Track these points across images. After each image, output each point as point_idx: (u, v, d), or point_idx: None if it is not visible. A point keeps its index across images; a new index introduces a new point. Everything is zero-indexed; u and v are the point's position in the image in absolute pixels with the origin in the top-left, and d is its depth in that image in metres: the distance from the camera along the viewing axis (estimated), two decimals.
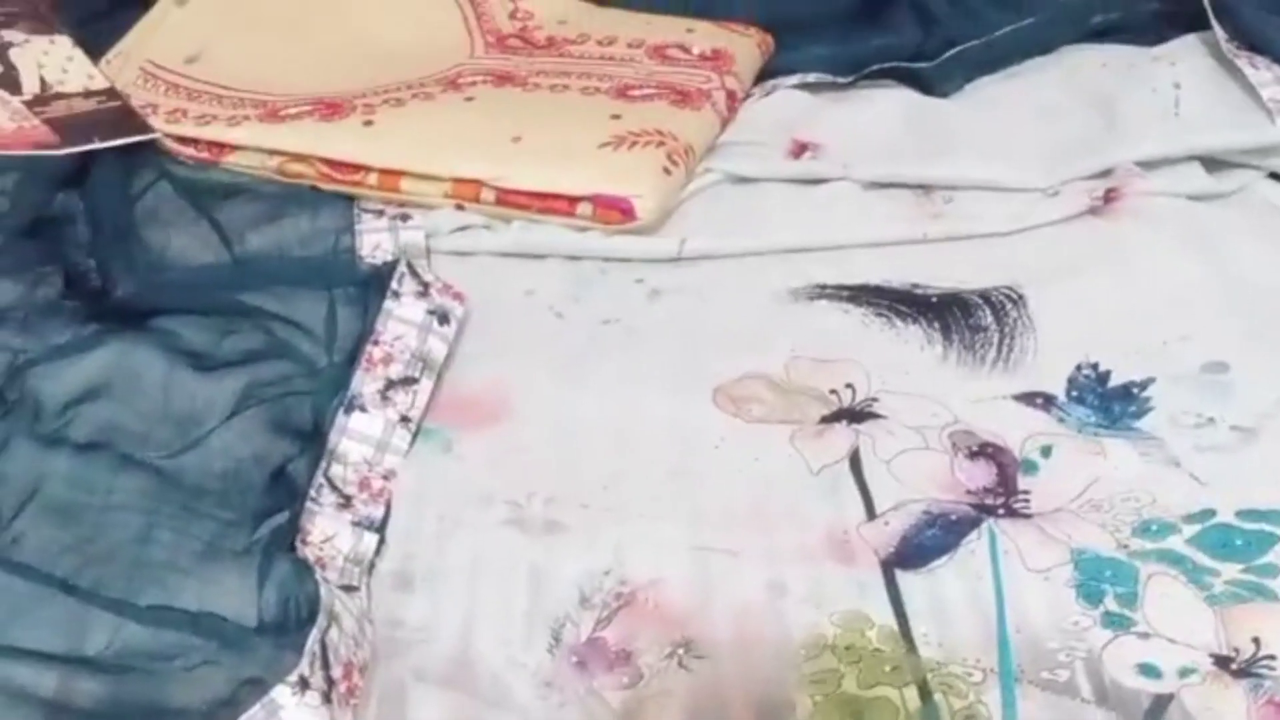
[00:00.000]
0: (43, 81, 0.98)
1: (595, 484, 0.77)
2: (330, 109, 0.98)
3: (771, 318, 0.89)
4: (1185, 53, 1.06)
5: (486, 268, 0.92)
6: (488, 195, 0.94)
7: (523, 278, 0.92)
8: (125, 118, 0.97)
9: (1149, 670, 0.66)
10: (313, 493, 0.73)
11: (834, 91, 1.06)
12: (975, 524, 0.74)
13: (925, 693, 0.66)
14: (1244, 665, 0.66)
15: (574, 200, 0.93)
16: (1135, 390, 0.82)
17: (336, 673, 0.63)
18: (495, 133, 0.96)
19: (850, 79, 1.06)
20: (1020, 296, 0.89)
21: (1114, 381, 0.82)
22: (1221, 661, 0.66)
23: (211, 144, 0.97)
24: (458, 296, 0.85)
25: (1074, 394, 0.82)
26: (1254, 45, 1.03)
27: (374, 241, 0.91)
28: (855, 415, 0.81)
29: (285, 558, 0.68)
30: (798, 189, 0.99)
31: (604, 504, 0.76)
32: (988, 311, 0.88)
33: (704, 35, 1.08)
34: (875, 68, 1.07)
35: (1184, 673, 0.66)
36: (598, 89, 1.01)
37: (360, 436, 0.77)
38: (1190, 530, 0.73)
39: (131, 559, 0.68)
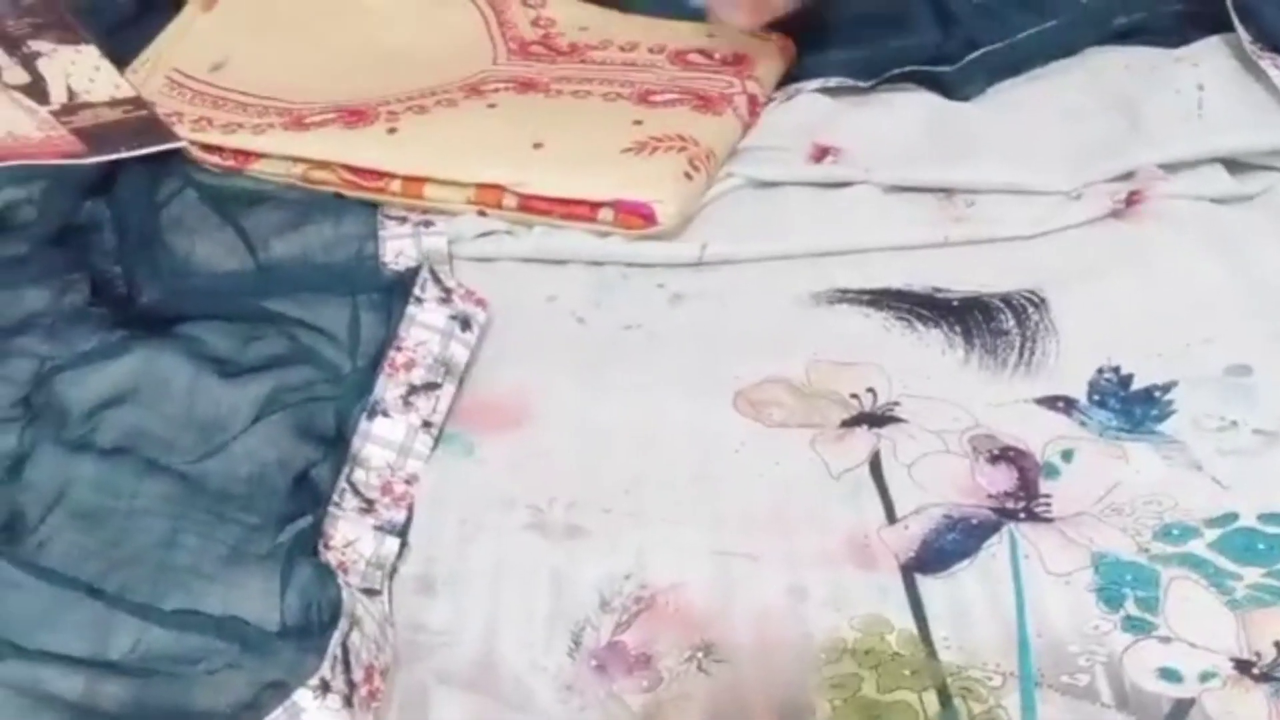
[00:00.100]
0: (70, 91, 0.99)
1: (616, 488, 0.77)
2: (354, 116, 0.99)
3: (792, 322, 0.89)
4: (1208, 54, 1.05)
5: (509, 273, 0.93)
6: (510, 201, 0.95)
7: (544, 283, 0.92)
8: (151, 126, 0.98)
9: (1170, 674, 0.66)
10: (335, 497, 0.74)
11: (855, 96, 1.06)
12: (996, 528, 0.74)
13: (945, 697, 0.66)
14: (1265, 669, 0.66)
15: (595, 205, 0.94)
16: (1157, 393, 0.81)
17: (358, 676, 0.64)
18: (517, 139, 0.96)
19: (871, 83, 1.06)
20: (1042, 300, 0.88)
21: (1136, 385, 0.82)
22: (1242, 666, 0.66)
23: (237, 152, 0.98)
24: (480, 302, 0.86)
25: (1096, 397, 0.81)
26: (1278, 46, 1.02)
27: (397, 248, 0.91)
28: (876, 419, 0.81)
29: (308, 562, 0.69)
30: (819, 193, 0.99)
31: (625, 508, 0.76)
32: (1009, 315, 0.88)
33: (725, 40, 1.08)
34: (896, 71, 1.07)
35: (1205, 677, 0.66)
36: (619, 95, 1.02)
37: (383, 441, 0.77)
38: (1212, 534, 0.73)
39: (156, 563, 0.69)
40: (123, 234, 0.90)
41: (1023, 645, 0.67)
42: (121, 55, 1.05)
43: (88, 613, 0.65)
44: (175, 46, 1.08)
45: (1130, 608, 0.69)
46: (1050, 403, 0.81)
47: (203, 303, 0.85)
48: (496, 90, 1.02)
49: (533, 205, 0.94)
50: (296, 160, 0.97)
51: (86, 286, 0.85)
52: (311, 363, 0.80)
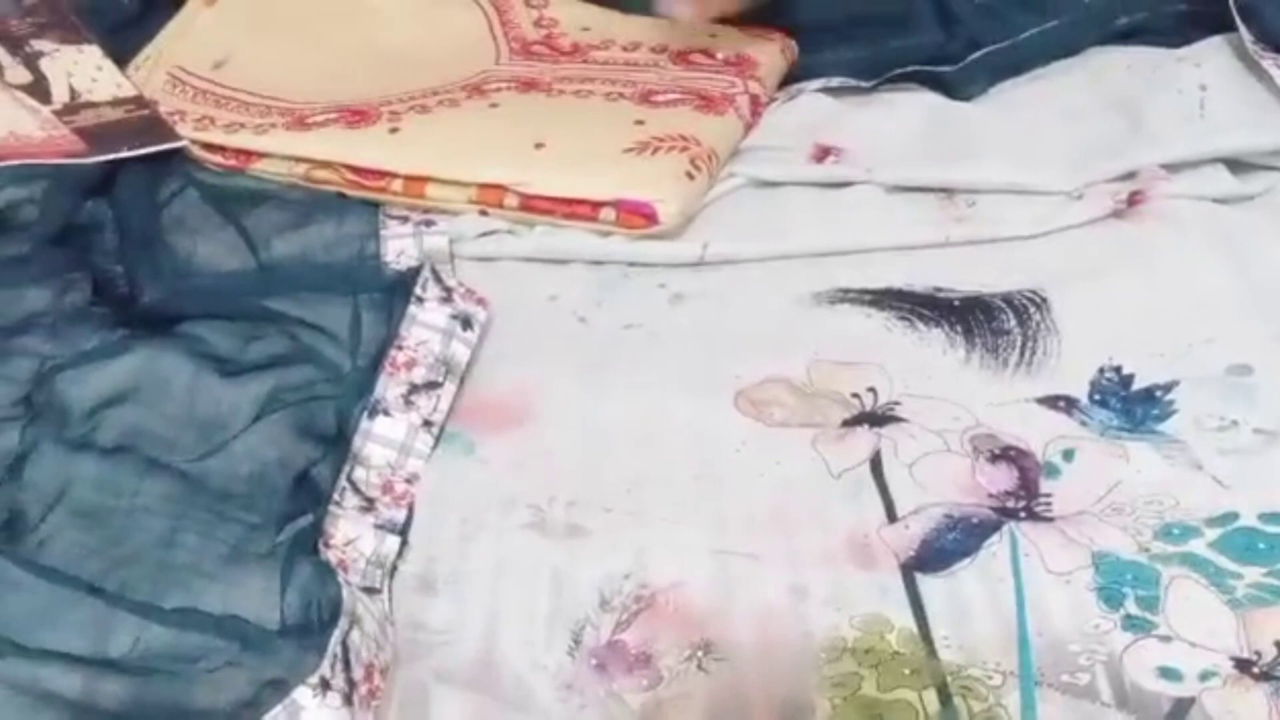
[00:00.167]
0: (72, 90, 0.99)
1: (617, 488, 0.77)
2: (357, 116, 0.99)
3: (793, 321, 0.89)
4: (1211, 54, 1.05)
5: (510, 273, 0.93)
6: (511, 201, 0.95)
7: (546, 283, 0.92)
8: (153, 125, 0.98)
9: (1170, 673, 0.66)
10: (336, 496, 0.74)
11: (857, 96, 1.06)
12: (996, 527, 0.74)
13: (945, 696, 0.66)
14: (1265, 669, 0.66)
15: (597, 205, 0.94)
16: (1158, 393, 0.81)
17: (358, 674, 0.64)
18: (519, 139, 0.97)
19: (873, 83, 1.06)
20: (1043, 300, 0.88)
21: (1137, 384, 0.82)
22: (1243, 665, 0.66)
23: (239, 151, 0.98)
24: (481, 301, 0.86)
25: (1097, 397, 0.81)
26: None
27: (398, 247, 0.91)
28: (877, 419, 0.81)
29: (308, 560, 0.69)
30: (820, 193, 0.99)
31: (626, 507, 0.76)
32: (1010, 315, 0.88)
33: (727, 40, 1.08)
34: (898, 71, 1.07)
35: (1205, 676, 0.66)
36: (621, 95, 1.02)
37: (383, 440, 0.77)
38: (1213, 533, 0.72)
39: (156, 562, 0.69)
40: (124, 234, 0.91)
41: (1023, 644, 0.67)
42: (124, 54, 1.05)
43: (88, 611, 0.65)
44: (176, 44, 1.08)
45: (1130, 607, 0.69)
46: (1051, 402, 0.81)
47: (203, 302, 0.85)
48: (499, 90, 1.03)
49: (534, 205, 0.95)
50: (299, 160, 0.97)
51: (88, 286, 0.85)
52: (312, 362, 0.80)
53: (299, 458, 0.75)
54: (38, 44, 1.03)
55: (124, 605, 0.65)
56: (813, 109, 1.06)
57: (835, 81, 1.07)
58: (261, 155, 0.98)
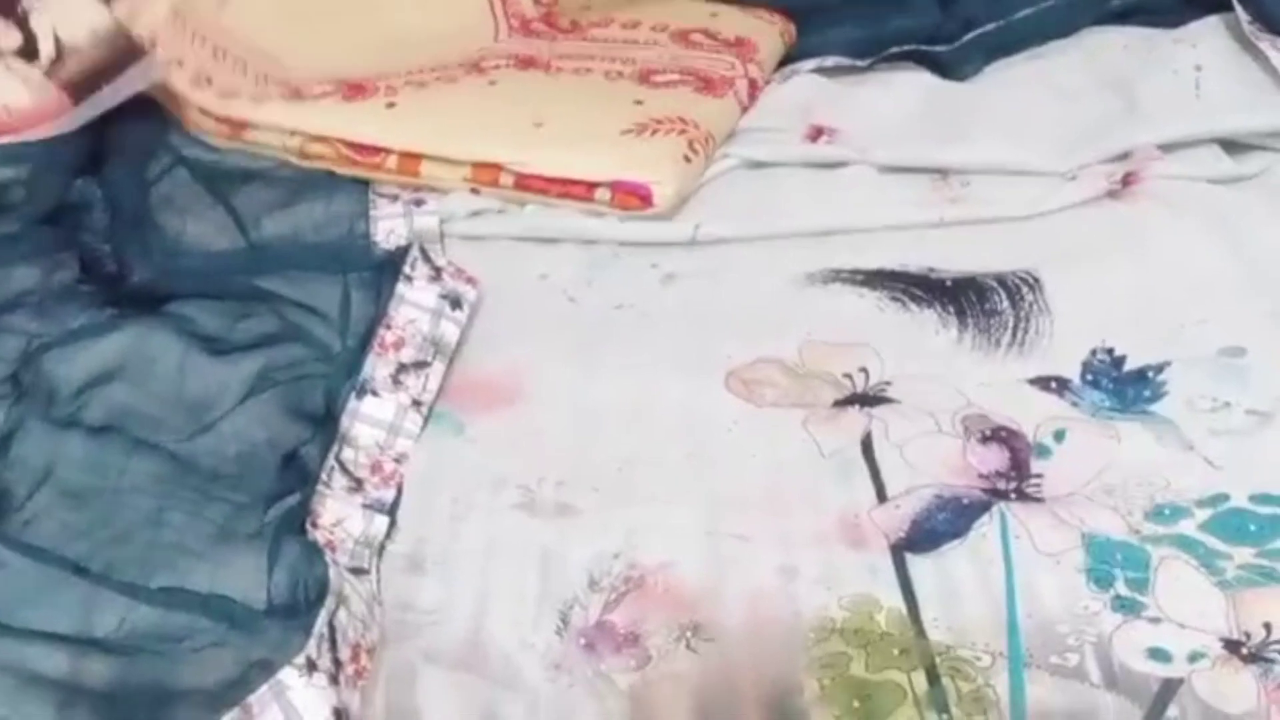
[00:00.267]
0: (57, 42, 0.97)
1: (607, 468, 0.77)
2: (354, 90, 0.98)
3: (786, 302, 0.89)
4: (1206, 35, 1.05)
5: (501, 252, 0.92)
6: (506, 180, 0.94)
7: (537, 262, 0.92)
8: (129, 56, 0.94)
9: (1159, 654, 0.66)
10: (324, 476, 0.74)
11: (852, 75, 1.06)
12: (986, 508, 0.73)
13: (933, 676, 0.65)
14: (1254, 650, 0.66)
15: (593, 186, 0.93)
16: (1150, 374, 0.81)
17: (344, 654, 0.64)
18: (517, 117, 0.96)
19: (868, 62, 1.06)
20: (1036, 280, 0.88)
21: (1129, 365, 0.82)
22: (1232, 646, 0.66)
23: (233, 121, 0.97)
24: (470, 281, 0.85)
25: (1089, 378, 0.81)
26: (1276, 27, 1.02)
27: (388, 227, 0.91)
28: (868, 399, 0.81)
29: (295, 540, 0.68)
30: (814, 173, 0.98)
31: (615, 487, 0.76)
32: (1003, 295, 0.87)
33: (728, 20, 1.08)
34: (894, 50, 1.06)
35: (1194, 657, 0.65)
36: (620, 73, 1.01)
37: (372, 420, 0.77)
38: (1203, 514, 0.72)
39: (144, 542, 0.69)
40: (114, 213, 0.90)
41: (1012, 625, 0.67)
42: None
43: (74, 591, 0.64)
44: None
45: (1120, 588, 0.69)
46: (1043, 383, 0.81)
47: (193, 281, 0.85)
48: (497, 67, 1.02)
49: (529, 184, 0.94)
50: (294, 133, 0.96)
51: (76, 265, 0.85)
52: (301, 341, 0.80)
53: (287, 437, 0.75)
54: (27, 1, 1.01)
55: (110, 585, 0.65)
56: (807, 89, 1.05)
57: (830, 61, 1.06)
58: (256, 126, 0.96)
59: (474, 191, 0.95)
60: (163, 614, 0.64)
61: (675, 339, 0.86)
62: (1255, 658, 0.65)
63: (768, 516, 0.74)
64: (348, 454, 0.75)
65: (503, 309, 0.87)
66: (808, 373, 0.83)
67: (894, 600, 0.69)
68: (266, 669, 0.61)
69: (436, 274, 0.84)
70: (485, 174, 0.94)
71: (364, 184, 0.94)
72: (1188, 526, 0.72)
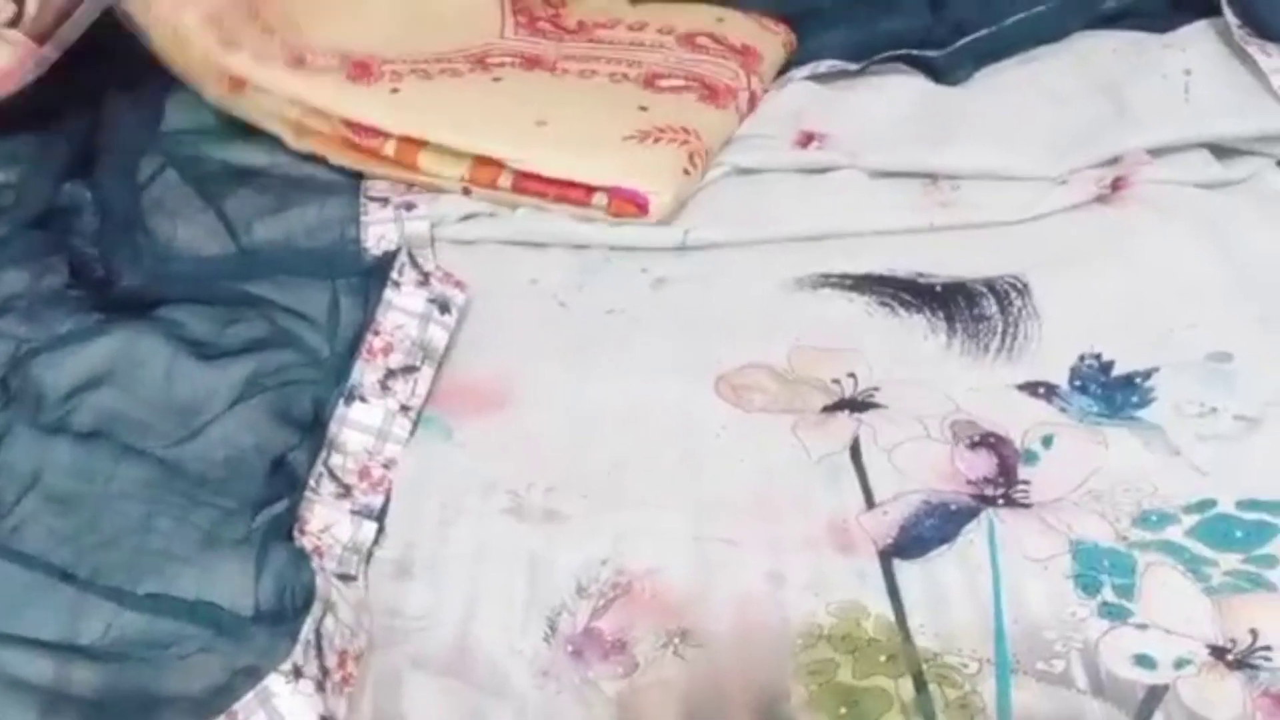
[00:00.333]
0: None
1: (596, 473, 0.77)
2: (359, 70, 0.97)
3: (775, 307, 0.89)
4: (1196, 39, 1.05)
5: (491, 256, 0.92)
6: (505, 180, 0.94)
7: (527, 266, 0.92)
8: None
9: (1145, 661, 0.66)
10: (312, 482, 0.74)
11: (842, 80, 1.06)
12: (974, 514, 0.73)
13: (920, 683, 0.65)
14: (1241, 656, 0.66)
15: (591, 190, 0.93)
16: (1138, 380, 0.81)
17: (331, 661, 0.64)
18: (521, 115, 0.96)
19: (860, 66, 1.06)
20: (1025, 285, 0.88)
21: (1118, 371, 0.82)
22: (1218, 652, 0.66)
23: (234, 79, 0.95)
24: (459, 285, 0.85)
25: (1077, 383, 0.81)
26: (1265, 32, 1.02)
27: (379, 232, 0.91)
28: (857, 405, 0.81)
29: (283, 547, 0.68)
30: (804, 178, 0.98)
31: (604, 493, 0.76)
32: (992, 301, 0.88)
33: (734, 26, 1.08)
34: (886, 55, 1.06)
35: (1180, 664, 0.65)
36: (625, 76, 1.01)
37: (360, 426, 0.77)
38: (1190, 521, 0.72)
39: (131, 548, 0.69)
40: (105, 217, 0.90)
41: (999, 632, 0.67)
42: None
43: (60, 597, 0.64)
44: None
45: (1107, 594, 0.69)
46: (1031, 389, 0.81)
47: (183, 286, 0.85)
48: (502, 64, 1.02)
49: (526, 186, 0.94)
50: (294, 102, 0.95)
51: (65, 269, 0.85)
52: (291, 347, 0.80)
53: (276, 443, 0.75)
54: None
55: (97, 591, 0.65)
56: (799, 95, 1.05)
57: (823, 68, 1.06)
58: (257, 88, 0.95)
59: (465, 192, 0.94)
60: (149, 620, 0.64)
61: (665, 344, 0.86)
62: (1241, 664, 0.65)
63: (756, 522, 0.74)
64: (336, 460, 0.75)
65: (493, 313, 0.87)
66: (797, 378, 0.83)
67: (881, 606, 0.69)
68: (253, 676, 0.61)
69: (425, 279, 0.84)
70: (484, 172, 0.94)
71: (355, 189, 0.94)
72: (1174, 533, 0.72)
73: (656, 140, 0.95)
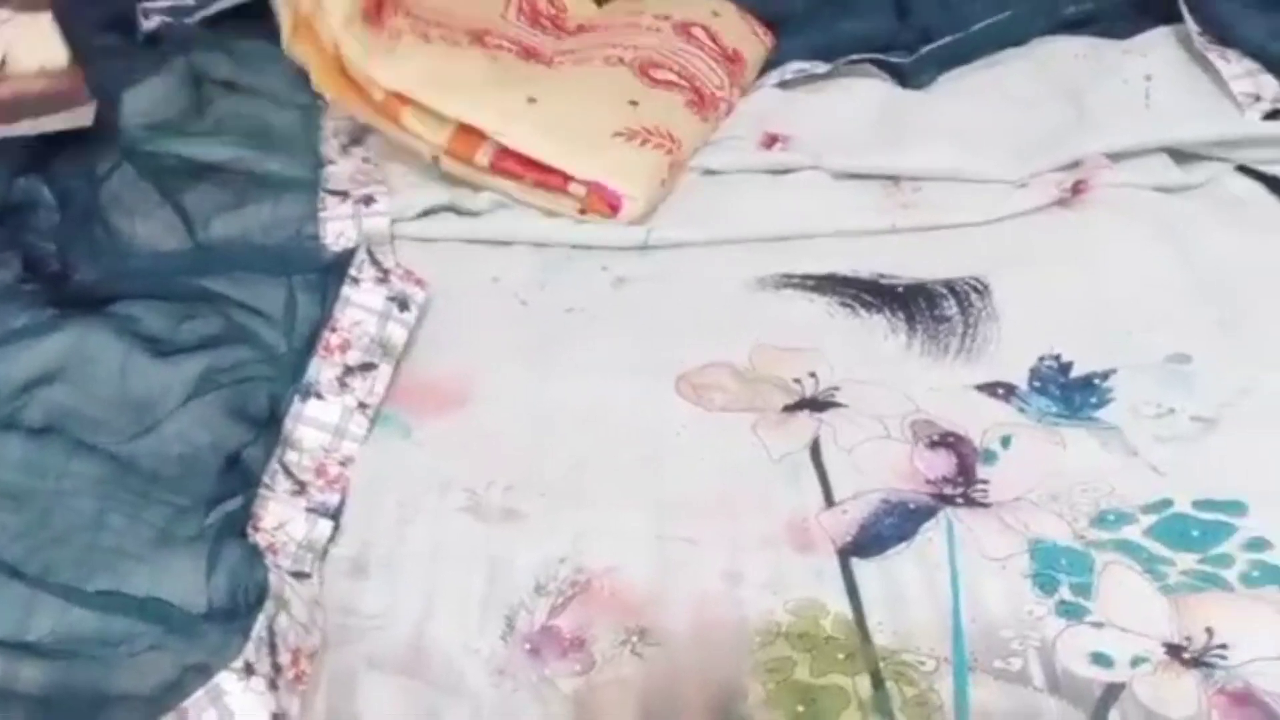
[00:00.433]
0: (4, 62, 0.96)
1: (555, 472, 0.77)
2: (371, 5, 0.95)
3: (736, 307, 0.88)
4: (1157, 45, 1.06)
5: (452, 253, 0.92)
6: (483, 157, 0.93)
7: (488, 264, 0.92)
8: (66, 99, 0.94)
9: (1101, 659, 0.66)
10: (267, 479, 0.73)
11: (807, 84, 1.06)
12: (933, 513, 0.73)
13: (878, 681, 0.65)
14: (1196, 654, 0.66)
15: (570, 179, 0.93)
16: (1097, 381, 0.81)
17: (284, 659, 0.63)
18: (513, 89, 0.95)
19: (827, 68, 1.06)
20: (985, 287, 0.88)
21: (1076, 372, 0.82)
22: (1174, 650, 0.66)
23: None
24: (419, 283, 0.85)
25: (1036, 384, 0.81)
26: (1225, 38, 1.03)
27: (338, 229, 0.90)
28: (817, 404, 0.81)
29: (236, 544, 0.68)
30: (766, 179, 0.99)
31: (563, 492, 0.76)
32: (953, 302, 0.88)
33: (727, 23, 1.07)
34: (853, 58, 1.07)
35: (1136, 662, 0.66)
36: (621, 59, 1.01)
37: (316, 423, 0.76)
38: (1147, 520, 0.73)
39: (83, 545, 0.68)
40: (63, 211, 0.89)
41: (956, 630, 0.67)
42: None
43: (9, 594, 0.64)
44: None
45: (1065, 593, 0.69)
46: (991, 389, 0.81)
47: (139, 282, 0.84)
48: (500, 47, 1.01)
49: (505, 166, 0.93)
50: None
51: (18, 264, 0.84)
52: (247, 343, 0.79)
53: (230, 440, 0.74)
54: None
55: (47, 588, 0.64)
56: (765, 97, 1.05)
57: (790, 73, 1.07)
58: None
59: (435, 160, 0.93)
60: (100, 617, 0.63)
61: (626, 343, 0.85)
62: (1197, 662, 0.66)
63: (716, 520, 0.74)
64: (291, 457, 0.75)
65: (453, 311, 0.86)
66: (757, 377, 0.83)
67: (840, 605, 0.69)
68: (204, 673, 0.61)
69: (384, 276, 0.83)
70: (465, 142, 0.92)
71: (315, 186, 0.93)
72: (1132, 532, 0.72)
73: (644, 142, 0.95)
